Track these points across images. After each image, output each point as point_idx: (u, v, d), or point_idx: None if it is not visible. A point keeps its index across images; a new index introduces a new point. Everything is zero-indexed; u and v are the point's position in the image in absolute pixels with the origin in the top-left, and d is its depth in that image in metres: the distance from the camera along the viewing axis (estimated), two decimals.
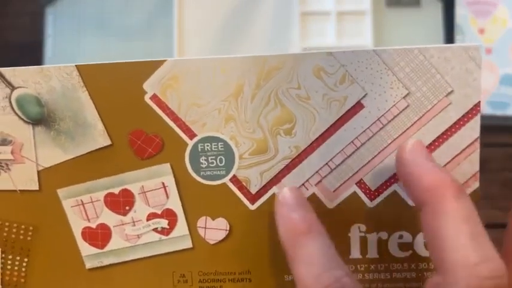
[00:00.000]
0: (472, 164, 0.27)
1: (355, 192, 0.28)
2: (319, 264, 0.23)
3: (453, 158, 0.27)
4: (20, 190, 0.29)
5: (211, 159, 0.28)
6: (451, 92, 0.27)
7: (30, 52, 0.57)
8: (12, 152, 0.28)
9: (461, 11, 0.55)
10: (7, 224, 0.29)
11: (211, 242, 0.29)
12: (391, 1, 0.55)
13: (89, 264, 0.29)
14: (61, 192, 0.29)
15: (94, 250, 0.29)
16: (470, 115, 0.27)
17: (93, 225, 0.29)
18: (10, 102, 0.27)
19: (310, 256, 0.24)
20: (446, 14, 0.55)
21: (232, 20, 0.55)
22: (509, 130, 0.54)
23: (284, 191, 0.26)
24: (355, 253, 0.28)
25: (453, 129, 0.27)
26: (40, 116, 0.28)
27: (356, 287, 0.23)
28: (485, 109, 0.54)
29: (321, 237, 0.24)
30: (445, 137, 0.27)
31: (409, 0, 0.55)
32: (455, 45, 0.27)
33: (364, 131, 0.27)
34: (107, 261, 0.29)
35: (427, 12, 0.55)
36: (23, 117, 0.28)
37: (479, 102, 0.27)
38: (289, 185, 0.27)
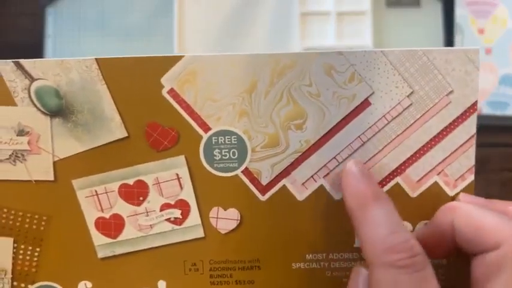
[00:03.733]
0: (468, 158, 0.29)
1: None
2: (388, 225, 0.25)
3: (452, 153, 0.29)
4: (35, 180, 0.29)
5: (224, 152, 0.29)
6: (451, 91, 0.29)
7: (30, 52, 0.57)
8: (28, 143, 0.28)
9: (461, 11, 0.56)
10: (20, 213, 0.29)
11: (223, 232, 0.30)
12: (391, 1, 0.56)
13: (101, 254, 0.30)
14: (76, 182, 0.29)
15: (107, 240, 0.30)
16: (468, 113, 0.29)
17: (107, 216, 0.30)
18: (29, 93, 0.28)
19: (379, 218, 0.25)
20: (446, 14, 0.56)
21: (233, 20, 0.55)
22: (509, 130, 0.55)
23: (350, 164, 0.28)
24: None
25: (452, 126, 0.29)
26: (58, 108, 0.28)
27: (422, 251, 0.25)
28: (485, 109, 0.56)
29: (388, 203, 0.26)
30: (444, 133, 0.29)
31: (409, 0, 0.56)
32: (456, 48, 0.29)
33: (370, 127, 0.29)
34: (119, 250, 0.30)
35: (427, 12, 0.56)
36: (41, 108, 0.28)
37: (476, 101, 0.29)
38: (354, 158, 0.29)
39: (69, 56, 0.55)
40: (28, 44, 0.57)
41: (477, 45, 0.57)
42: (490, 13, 0.55)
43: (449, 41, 0.56)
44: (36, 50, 0.56)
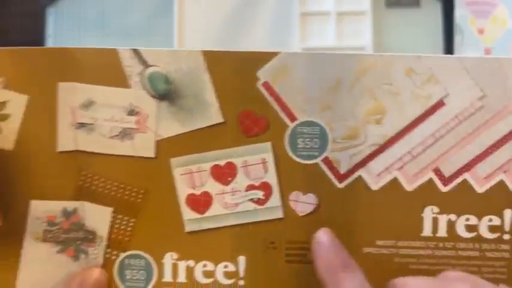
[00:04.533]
0: None
1: (431, 178, 0.32)
2: None
3: None
4: (138, 156, 0.33)
5: (307, 141, 0.32)
6: None
7: None
8: (137, 122, 0.32)
9: (461, 11, 0.56)
10: (122, 185, 0.33)
11: (301, 214, 0.33)
12: (391, 1, 0.58)
13: (188, 228, 0.33)
14: (174, 161, 0.33)
15: (195, 215, 0.33)
16: None
17: (198, 193, 0.33)
18: (142, 78, 0.32)
19: (349, 285, 0.28)
20: (446, 14, 0.57)
21: (233, 20, 0.56)
22: None
23: (320, 234, 0.31)
24: (427, 231, 0.32)
25: None
26: (167, 92, 0.32)
27: None
28: None
29: (357, 270, 0.29)
30: None
31: (409, 0, 0.58)
32: None
33: (443, 125, 0.32)
34: (205, 225, 0.33)
35: (427, 13, 0.57)
36: (151, 92, 0.32)
37: None
38: (324, 229, 0.31)
39: None
40: (28, 44, 0.60)
41: (477, 45, 0.56)
42: (490, 13, 0.55)
43: (449, 41, 0.56)
44: None
